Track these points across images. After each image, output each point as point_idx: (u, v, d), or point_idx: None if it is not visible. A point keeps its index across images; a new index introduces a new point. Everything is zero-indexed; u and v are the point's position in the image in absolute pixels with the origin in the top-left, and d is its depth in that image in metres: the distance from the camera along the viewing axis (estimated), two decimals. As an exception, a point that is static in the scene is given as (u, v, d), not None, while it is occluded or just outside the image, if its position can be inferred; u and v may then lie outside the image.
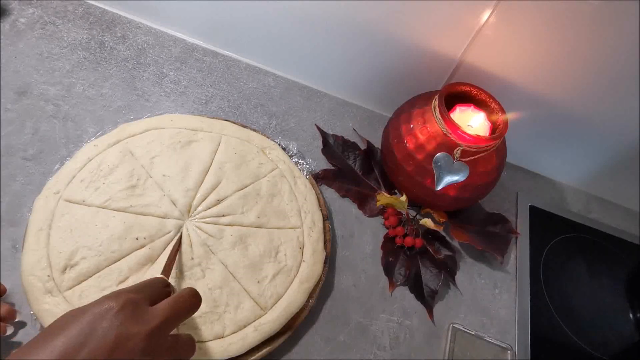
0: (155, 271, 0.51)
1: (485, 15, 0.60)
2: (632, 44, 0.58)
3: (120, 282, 0.50)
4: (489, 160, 0.62)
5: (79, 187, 0.54)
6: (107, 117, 0.65)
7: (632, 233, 0.79)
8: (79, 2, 0.74)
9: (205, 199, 0.58)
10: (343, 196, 0.68)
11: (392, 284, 0.62)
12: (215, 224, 0.56)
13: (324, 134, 0.72)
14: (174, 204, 0.56)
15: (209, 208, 0.57)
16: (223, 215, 0.57)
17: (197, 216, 0.56)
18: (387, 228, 0.66)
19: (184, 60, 0.74)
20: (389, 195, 0.66)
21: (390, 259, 0.64)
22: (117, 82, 0.68)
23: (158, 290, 0.39)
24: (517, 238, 0.72)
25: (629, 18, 0.56)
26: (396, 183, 0.69)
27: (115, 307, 0.33)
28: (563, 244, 0.74)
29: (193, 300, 0.39)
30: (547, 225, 0.75)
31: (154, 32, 0.76)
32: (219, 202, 0.58)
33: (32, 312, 0.48)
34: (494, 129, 0.62)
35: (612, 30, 0.58)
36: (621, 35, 0.58)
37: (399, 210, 0.67)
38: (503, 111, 0.62)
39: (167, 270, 0.47)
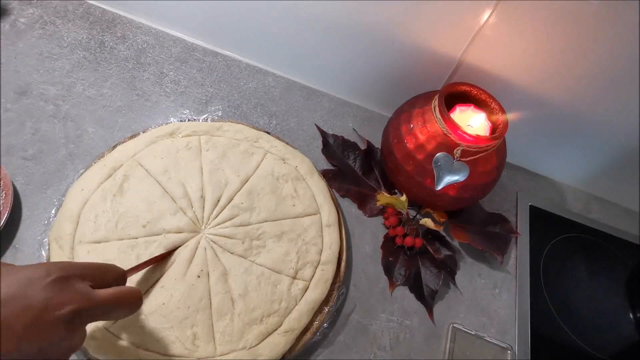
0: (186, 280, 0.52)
1: (485, 15, 0.60)
2: (632, 44, 0.58)
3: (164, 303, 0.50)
4: (489, 160, 0.62)
5: (92, 226, 0.53)
6: (107, 117, 0.65)
7: (632, 233, 0.79)
8: (79, 2, 0.74)
9: (216, 204, 0.58)
10: (343, 196, 0.68)
11: (392, 284, 0.62)
12: (232, 226, 0.57)
13: (324, 134, 0.72)
14: (187, 217, 0.56)
15: (222, 212, 0.58)
16: (236, 217, 0.58)
17: (211, 224, 0.57)
18: (387, 228, 0.66)
19: (184, 60, 0.74)
20: (389, 195, 0.66)
21: (390, 259, 0.64)
22: (117, 82, 0.68)
23: (107, 277, 0.38)
24: (517, 238, 0.72)
25: (629, 18, 0.56)
26: (396, 183, 0.69)
27: (48, 279, 0.33)
28: (563, 244, 0.74)
29: (135, 299, 0.38)
30: (547, 225, 0.75)
31: (154, 32, 0.76)
32: (227, 205, 0.58)
33: None
34: (494, 129, 0.62)
35: (612, 30, 0.58)
36: (621, 35, 0.58)
37: (399, 210, 0.67)
38: (503, 111, 0.62)
39: (133, 270, 0.47)
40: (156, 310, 0.50)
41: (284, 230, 0.58)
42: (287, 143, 0.67)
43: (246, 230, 0.57)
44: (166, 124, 0.64)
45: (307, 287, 0.56)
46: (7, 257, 0.52)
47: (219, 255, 0.55)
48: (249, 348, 0.50)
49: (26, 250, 0.53)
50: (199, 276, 0.52)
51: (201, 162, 0.60)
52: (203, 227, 0.56)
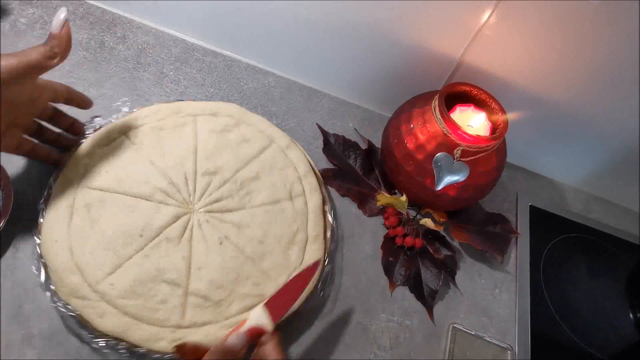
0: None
1: (485, 15, 0.60)
2: (632, 44, 0.58)
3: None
4: (489, 160, 0.62)
5: (97, 264, 0.52)
6: (107, 117, 0.65)
7: (632, 233, 0.79)
8: (79, 2, 0.74)
9: (186, 181, 0.58)
10: (343, 195, 0.68)
11: (392, 284, 0.62)
12: (214, 190, 0.59)
13: (325, 133, 0.72)
14: (173, 205, 0.56)
15: (197, 184, 0.59)
16: (212, 182, 0.59)
17: (196, 198, 0.58)
18: (387, 228, 0.67)
19: (184, 60, 0.74)
20: (389, 195, 0.66)
21: (390, 259, 0.64)
22: (117, 82, 0.68)
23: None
24: (517, 238, 0.72)
25: (629, 18, 0.56)
26: (396, 183, 0.69)
27: None
28: (563, 244, 0.75)
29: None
30: (547, 225, 0.76)
31: (154, 32, 0.76)
32: (197, 176, 0.59)
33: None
34: (494, 129, 0.62)
35: (612, 30, 0.58)
36: (621, 35, 0.58)
37: (399, 210, 0.67)
38: (503, 111, 0.62)
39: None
40: (210, 284, 0.53)
41: (257, 170, 0.61)
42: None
43: (228, 187, 0.59)
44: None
45: (306, 199, 0.61)
46: (7, 257, 0.52)
47: (223, 218, 0.57)
48: (300, 265, 0.57)
49: (26, 250, 0.53)
50: (221, 242, 0.55)
51: (145, 155, 0.58)
52: (193, 205, 0.57)
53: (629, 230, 0.80)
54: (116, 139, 0.59)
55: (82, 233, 0.52)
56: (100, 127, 0.60)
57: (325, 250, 0.60)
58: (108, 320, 0.49)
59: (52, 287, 0.50)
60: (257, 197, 0.59)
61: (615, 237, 0.77)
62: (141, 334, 0.49)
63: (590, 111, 0.69)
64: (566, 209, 0.80)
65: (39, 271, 0.51)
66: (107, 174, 0.56)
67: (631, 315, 0.70)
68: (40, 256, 0.51)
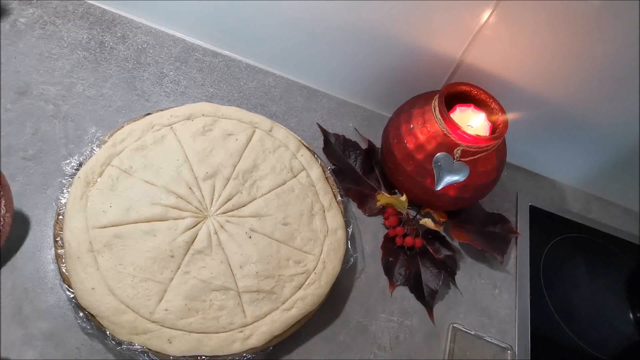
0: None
1: (485, 15, 0.60)
2: (632, 44, 0.58)
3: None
4: (489, 160, 0.62)
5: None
6: (107, 117, 0.65)
7: (632, 233, 0.79)
8: (79, 2, 0.74)
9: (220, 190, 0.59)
10: (343, 195, 0.68)
11: (392, 284, 0.62)
12: (221, 188, 0.58)
13: (325, 133, 0.72)
14: (190, 212, 0.56)
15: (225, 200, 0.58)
16: (213, 178, 0.59)
17: (216, 207, 0.57)
18: (387, 228, 0.66)
19: (184, 60, 0.74)
20: (389, 195, 0.66)
21: (390, 259, 0.64)
22: (117, 82, 0.68)
23: None
24: (517, 238, 0.72)
25: (629, 18, 0.56)
26: (396, 183, 0.69)
27: None
28: (563, 244, 0.75)
29: None
30: (547, 225, 0.76)
31: (154, 32, 0.76)
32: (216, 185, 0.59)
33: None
34: (494, 129, 0.62)
35: (612, 30, 0.58)
36: (621, 35, 0.58)
37: (399, 210, 0.67)
38: (503, 111, 0.62)
39: None
40: (257, 277, 0.53)
41: (252, 159, 0.61)
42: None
43: (232, 184, 0.59)
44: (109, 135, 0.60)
45: (307, 172, 0.63)
46: (8, 257, 0.52)
47: (241, 214, 0.57)
48: (327, 232, 0.59)
49: (26, 250, 0.53)
50: (250, 236, 0.55)
51: (140, 178, 0.57)
52: (208, 211, 0.56)
53: (629, 230, 0.80)
54: (103, 172, 0.56)
55: (115, 272, 0.50)
56: (79, 165, 0.57)
57: (342, 213, 0.62)
58: (177, 344, 0.49)
59: (107, 333, 0.48)
60: (263, 184, 0.60)
61: (615, 237, 0.78)
62: (213, 344, 0.49)
63: (590, 111, 0.69)
64: (566, 209, 0.80)
65: (86, 322, 0.49)
66: (111, 208, 0.53)
67: (631, 315, 0.70)
68: (81, 307, 0.49)
